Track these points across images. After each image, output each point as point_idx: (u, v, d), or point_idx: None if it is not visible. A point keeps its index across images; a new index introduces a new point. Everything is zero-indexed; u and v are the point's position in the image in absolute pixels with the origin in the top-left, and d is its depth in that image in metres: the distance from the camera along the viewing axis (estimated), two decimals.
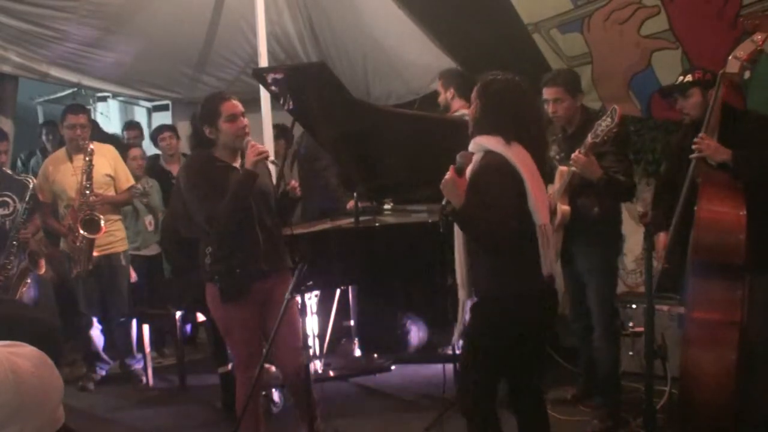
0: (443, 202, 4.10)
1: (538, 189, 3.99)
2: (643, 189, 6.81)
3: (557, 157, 5.52)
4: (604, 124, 4.97)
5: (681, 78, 5.14)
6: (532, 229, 3.97)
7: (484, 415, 4.21)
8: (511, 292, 4.03)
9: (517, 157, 3.96)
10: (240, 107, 4.84)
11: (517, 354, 4.12)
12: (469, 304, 4.19)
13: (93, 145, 6.98)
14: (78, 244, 6.82)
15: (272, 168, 5.53)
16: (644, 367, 4.66)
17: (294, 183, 5.14)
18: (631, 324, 6.14)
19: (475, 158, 4.08)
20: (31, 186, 6.68)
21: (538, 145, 4.12)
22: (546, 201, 4.07)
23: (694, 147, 4.82)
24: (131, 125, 9.42)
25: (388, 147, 6.23)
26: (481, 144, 4.08)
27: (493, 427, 4.23)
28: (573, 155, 5.15)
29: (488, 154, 4.03)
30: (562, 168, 5.36)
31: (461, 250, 4.19)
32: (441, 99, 7.02)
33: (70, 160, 7.01)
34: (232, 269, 4.79)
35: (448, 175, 3.98)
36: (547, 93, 5.45)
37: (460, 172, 4.00)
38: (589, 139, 5.04)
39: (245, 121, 4.85)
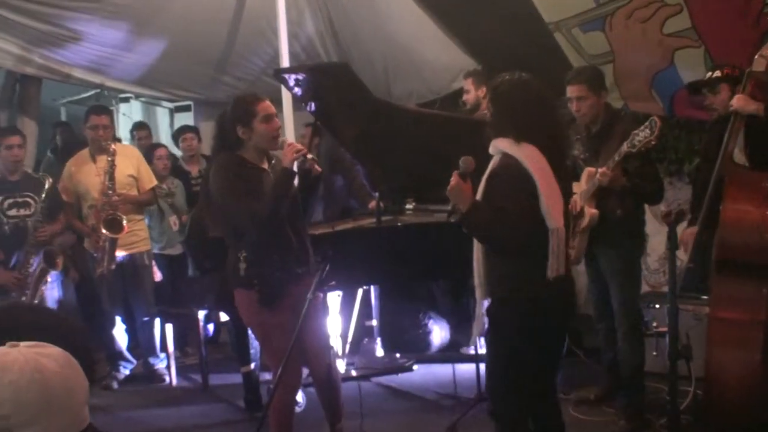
0: (449, 207, 4.11)
1: (551, 192, 3.94)
2: (666, 188, 6.78)
3: (582, 156, 5.49)
4: (642, 135, 4.90)
5: (710, 74, 5.12)
6: (545, 233, 3.95)
7: (513, 418, 4.20)
8: (523, 295, 4.01)
9: (529, 158, 3.93)
10: (273, 108, 4.78)
11: (533, 357, 4.11)
12: (485, 304, 4.19)
13: (115, 146, 7.01)
14: (101, 243, 6.85)
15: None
16: (668, 368, 4.63)
17: (312, 158, 4.92)
18: (654, 324, 6.09)
19: (493, 160, 4.08)
20: (47, 184, 6.70)
21: (553, 144, 4.09)
22: (560, 204, 4.01)
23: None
24: (140, 126, 9.42)
25: (410, 147, 6.22)
26: (496, 146, 4.08)
27: (522, 429, 4.22)
28: (601, 170, 5.11)
29: (504, 156, 4.02)
30: (590, 169, 5.33)
31: (478, 250, 4.18)
32: (470, 97, 6.99)
33: (94, 160, 7.03)
34: (271, 273, 4.74)
35: (453, 180, 3.98)
36: (571, 91, 5.42)
37: (463, 177, 3.99)
38: (625, 147, 4.99)
39: (279, 122, 4.82)
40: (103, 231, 6.77)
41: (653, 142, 4.91)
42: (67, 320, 2.19)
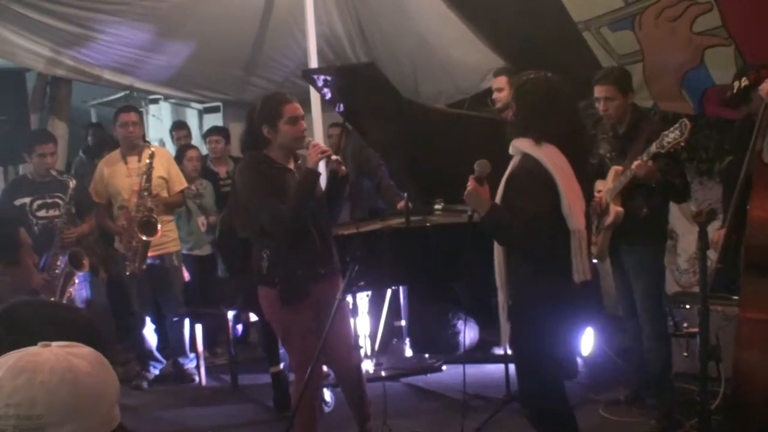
0: (468, 212, 4.10)
1: (572, 192, 3.93)
2: (696, 188, 6.74)
3: (608, 155, 5.48)
4: (672, 136, 4.87)
5: (737, 84, 5.08)
6: (566, 234, 3.94)
7: (559, 417, 4.19)
8: (543, 297, 4.00)
9: (550, 158, 3.92)
10: (301, 110, 4.79)
11: (558, 358, 4.10)
12: (507, 307, 4.19)
13: (153, 148, 7.06)
14: (134, 244, 6.89)
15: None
16: (699, 368, 4.61)
17: (337, 159, 4.92)
18: (685, 324, 6.06)
19: (513, 161, 4.08)
20: (71, 186, 6.73)
21: (575, 144, 4.07)
22: (581, 205, 4.00)
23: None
24: (180, 125, 9.47)
25: (439, 147, 6.21)
26: (516, 146, 4.07)
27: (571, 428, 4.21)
28: (636, 163, 5.08)
29: (524, 157, 4.02)
30: (617, 168, 5.31)
31: (499, 252, 4.18)
32: (503, 95, 6.88)
33: (125, 161, 7.08)
34: (292, 272, 4.76)
35: (470, 185, 3.97)
36: (599, 91, 5.40)
37: (479, 180, 3.99)
38: (654, 147, 4.97)
39: (305, 124, 4.84)
40: (140, 235, 6.80)
41: (682, 144, 4.89)
42: (79, 311, 2.20)
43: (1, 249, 3.29)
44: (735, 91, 5.13)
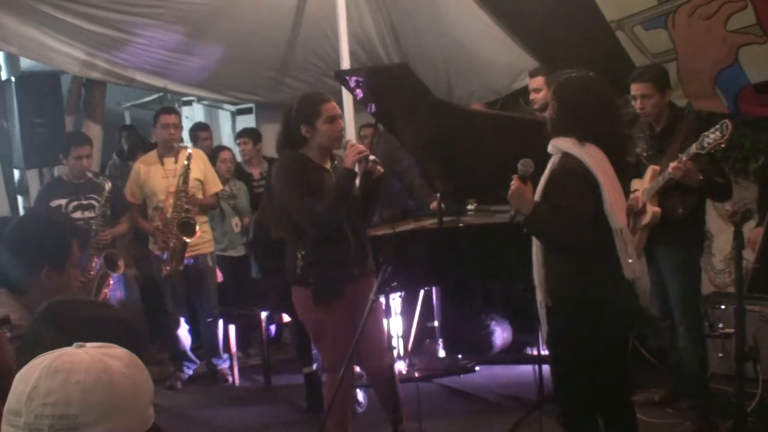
0: (510, 212, 4.08)
1: (614, 192, 3.91)
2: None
3: (644, 154, 5.44)
4: (712, 137, 4.82)
5: None
6: (609, 233, 3.91)
7: (581, 421, 4.16)
8: (586, 296, 3.97)
9: (592, 158, 3.90)
10: (338, 109, 4.81)
11: (599, 360, 4.06)
12: (545, 306, 4.16)
13: (191, 150, 7.10)
14: (171, 245, 6.93)
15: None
16: (735, 370, 4.56)
17: (374, 159, 4.89)
18: (720, 325, 6.00)
19: (552, 160, 4.05)
20: (106, 188, 6.77)
21: (616, 144, 4.04)
22: (623, 204, 3.98)
23: None
24: (202, 127, 9.41)
25: (471, 147, 6.19)
26: (556, 146, 4.04)
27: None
28: (674, 164, 5.03)
29: (564, 156, 3.99)
30: (654, 167, 5.27)
31: (538, 251, 4.16)
32: (541, 96, 6.81)
33: (161, 162, 7.13)
34: (326, 272, 4.76)
35: (513, 184, 3.95)
36: (636, 89, 5.37)
37: (524, 179, 3.97)
38: (694, 148, 4.92)
39: (342, 123, 4.84)
40: (182, 237, 6.84)
41: (723, 145, 4.85)
42: (116, 310, 2.22)
43: (55, 253, 3.31)
44: None
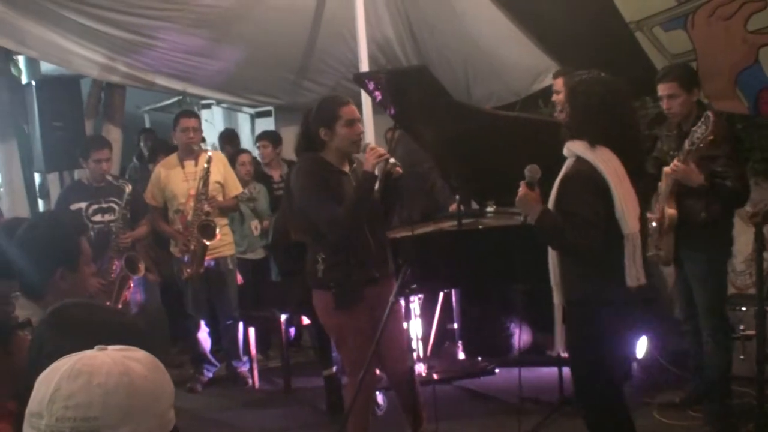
0: (523, 217, 4.08)
1: (626, 196, 3.89)
2: (752, 189, 6.63)
3: (671, 153, 5.38)
4: (699, 132, 4.80)
5: None
6: (620, 238, 3.90)
7: (615, 420, 4.15)
8: (599, 299, 3.96)
9: (604, 162, 3.88)
10: (357, 113, 4.80)
11: (615, 356, 4.06)
12: (562, 308, 4.16)
13: (211, 153, 7.12)
14: (192, 247, 6.95)
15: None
16: (755, 372, 4.54)
17: (394, 162, 4.85)
18: (741, 327, 5.97)
19: (567, 163, 4.05)
20: (127, 191, 6.79)
21: (629, 146, 4.02)
22: (635, 209, 3.95)
23: None
24: (229, 140, 9.50)
25: (490, 149, 6.19)
26: (570, 149, 4.04)
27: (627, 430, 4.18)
28: (672, 164, 5.02)
29: (578, 159, 3.98)
30: (666, 169, 5.23)
31: (554, 253, 4.15)
32: (560, 97, 6.81)
33: (182, 165, 7.15)
34: (347, 276, 4.75)
35: (521, 190, 3.95)
36: (662, 89, 5.33)
37: (531, 185, 3.97)
38: (686, 146, 4.91)
39: (361, 127, 4.83)
40: (202, 240, 6.86)
41: (710, 137, 4.79)
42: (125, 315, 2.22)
43: (65, 254, 3.33)
44: None
